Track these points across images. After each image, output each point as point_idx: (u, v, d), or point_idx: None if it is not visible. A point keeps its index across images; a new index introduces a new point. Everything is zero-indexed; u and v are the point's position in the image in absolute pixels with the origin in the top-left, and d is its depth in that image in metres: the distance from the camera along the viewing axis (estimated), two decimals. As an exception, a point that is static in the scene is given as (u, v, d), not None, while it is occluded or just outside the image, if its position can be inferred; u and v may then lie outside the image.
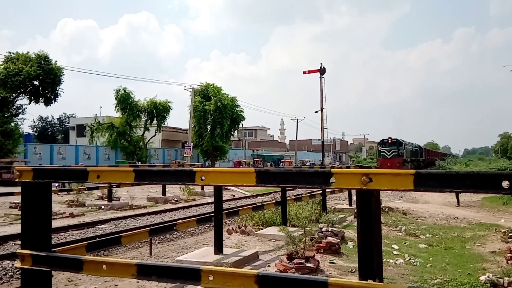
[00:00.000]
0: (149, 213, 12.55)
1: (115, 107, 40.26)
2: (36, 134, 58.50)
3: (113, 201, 14.27)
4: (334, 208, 12.03)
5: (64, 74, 31.83)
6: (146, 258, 6.99)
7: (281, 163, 57.56)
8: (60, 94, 32.10)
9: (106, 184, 13.69)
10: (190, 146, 37.69)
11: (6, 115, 29.12)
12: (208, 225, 9.24)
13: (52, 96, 31.68)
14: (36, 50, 41.69)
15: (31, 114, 66.46)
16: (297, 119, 62.82)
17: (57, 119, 67.60)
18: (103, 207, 13.71)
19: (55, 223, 9.96)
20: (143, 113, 41.26)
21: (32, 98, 30.88)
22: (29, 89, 30.26)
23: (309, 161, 62.11)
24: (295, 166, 44.60)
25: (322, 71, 42.65)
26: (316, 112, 42.94)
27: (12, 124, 29.41)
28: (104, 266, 2.38)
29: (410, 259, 7.15)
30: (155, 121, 41.99)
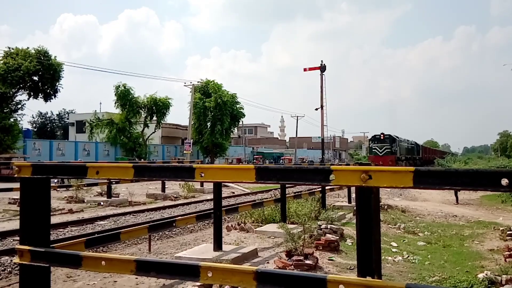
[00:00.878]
0: (148, 210, 12.56)
1: (115, 103, 40.20)
2: (35, 130, 58.50)
3: (112, 198, 14.27)
4: (333, 205, 12.05)
5: (63, 70, 31.73)
6: (145, 254, 6.99)
7: (281, 161, 57.61)
8: (59, 89, 32.01)
9: (106, 180, 13.70)
10: (190, 143, 37.69)
11: (5, 111, 29.07)
12: (207, 222, 9.25)
13: (51, 92, 31.59)
14: (35, 45, 41.70)
15: (30, 109, 66.70)
16: (297, 116, 62.84)
17: (57, 115, 67.60)
18: (102, 203, 13.71)
19: (54, 219, 9.97)
20: (143, 109, 41.17)
21: (32, 93, 30.79)
22: (28, 84, 30.17)
23: (306, 159, 61.72)
24: (294, 163, 44.61)
25: (322, 68, 42.60)
26: (316, 109, 42.94)
27: (11, 119, 29.38)
28: (103, 262, 2.38)
29: (408, 256, 7.17)
30: (155, 118, 41.91)
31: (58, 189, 15.95)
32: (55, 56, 31.24)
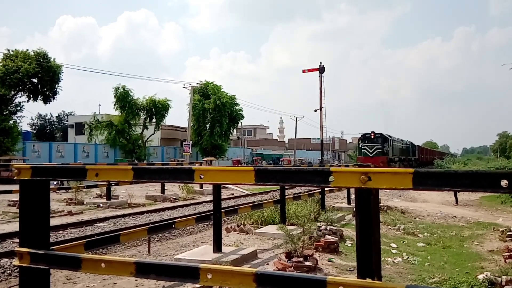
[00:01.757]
0: (147, 212, 12.55)
1: (114, 105, 40.21)
2: (34, 132, 58.37)
3: (111, 199, 14.26)
4: (333, 206, 12.05)
5: (63, 72, 31.75)
6: (145, 256, 6.98)
7: (280, 162, 57.58)
8: (58, 92, 32.01)
9: (105, 182, 13.69)
10: (189, 144, 37.69)
11: (4, 113, 29.05)
12: (206, 223, 9.24)
13: (50, 94, 31.58)
14: (34, 47, 41.55)
15: (29, 112, 66.21)
16: (296, 117, 62.84)
17: (56, 117, 67.48)
18: (101, 205, 13.69)
19: (54, 221, 9.95)
20: (142, 111, 41.18)
21: (31, 95, 30.79)
22: (27, 86, 30.16)
23: (305, 160, 61.55)
24: (293, 165, 44.56)
25: (321, 69, 42.60)
26: (316, 110, 42.91)
27: (11, 121, 29.36)
28: (103, 264, 2.38)
29: (408, 257, 7.17)
30: (154, 119, 41.93)
31: (58, 191, 15.93)
32: (54, 58, 31.32)
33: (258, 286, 2.04)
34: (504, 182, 1.63)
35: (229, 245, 7.02)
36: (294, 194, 12.42)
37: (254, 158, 57.92)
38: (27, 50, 30.68)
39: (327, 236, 7.14)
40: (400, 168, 1.94)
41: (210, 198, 12.33)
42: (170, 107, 41.93)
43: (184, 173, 2.29)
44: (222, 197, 8.27)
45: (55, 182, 16.70)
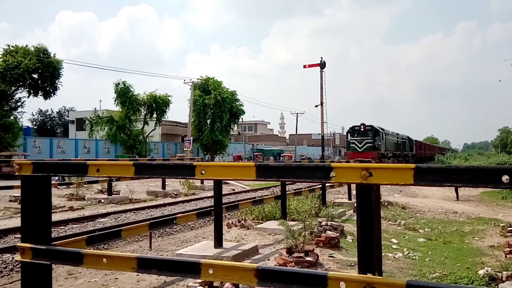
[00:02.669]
0: (149, 207, 12.57)
1: (115, 100, 40.19)
2: (35, 127, 58.44)
3: (113, 195, 14.29)
4: (334, 202, 12.05)
5: (63, 67, 31.80)
6: (146, 251, 7.01)
7: (281, 158, 57.57)
8: (59, 87, 32.05)
9: (106, 178, 13.71)
10: (189, 140, 37.68)
11: (5, 109, 29.09)
12: (207, 219, 9.26)
13: (51, 90, 31.60)
14: (35, 43, 41.42)
15: (30, 107, 66.46)
16: (297, 113, 62.76)
17: (57, 112, 67.57)
18: (103, 200, 13.72)
19: (55, 217, 9.98)
20: (143, 107, 41.16)
21: (31, 91, 30.79)
22: (28, 82, 30.16)
23: (306, 155, 61.50)
24: (294, 160, 44.58)
25: (322, 65, 42.55)
26: (316, 106, 42.93)
27: (12, 117, 29.38)
28: (104, 260, 2.38)
29: (409, 253, 7.18)
30: (154, 115, 41.91)
31: (59, 186, 15.96)
32: (55, 54, 31.33)
33: (259, 281, 2.04)
34: (505, 178, 1.62)
35: (230, 241, 7.03)
36: (295, 189, 12.43)
37: (255, 153, 57.92)
38: (27, 45, 30.67)
39: (328, 232, 7.15)
40: (401, 164, 1.94)
41: (211, 193, 12.33)
42: (170, 103, 41.95)
43: (185, 168, 2.29)
44: (223, 192, 8.28)
45: (56, 178, 16.72)
